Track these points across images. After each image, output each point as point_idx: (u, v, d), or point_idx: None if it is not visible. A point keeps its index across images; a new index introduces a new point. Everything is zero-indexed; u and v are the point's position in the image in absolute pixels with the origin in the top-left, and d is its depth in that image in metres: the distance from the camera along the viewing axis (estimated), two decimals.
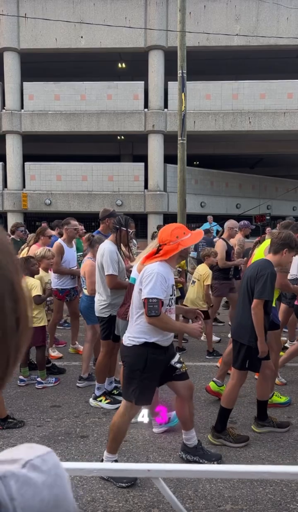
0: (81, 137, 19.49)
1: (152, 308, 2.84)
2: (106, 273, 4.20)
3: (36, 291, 4.73)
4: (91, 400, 4.47)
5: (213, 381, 4.59)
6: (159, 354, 3.03)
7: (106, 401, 4.39)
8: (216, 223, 16.24)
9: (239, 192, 22.74)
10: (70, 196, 18.68)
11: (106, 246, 4.26)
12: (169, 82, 17.19)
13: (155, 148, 18.03)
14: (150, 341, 2.96)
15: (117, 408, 4.17)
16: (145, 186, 18.69)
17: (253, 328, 3.45)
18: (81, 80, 18.25)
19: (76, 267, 6.09)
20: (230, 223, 6.84)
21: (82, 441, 3.68)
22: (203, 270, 6.09)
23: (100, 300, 4.34)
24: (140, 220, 20.16)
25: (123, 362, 3.12)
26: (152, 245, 3.69)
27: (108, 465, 0.98)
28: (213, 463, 3.29)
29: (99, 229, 5.48)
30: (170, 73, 16.34)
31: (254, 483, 3.09)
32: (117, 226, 4.27)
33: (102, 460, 3.20)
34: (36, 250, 5.54)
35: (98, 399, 4.42)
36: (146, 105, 17.98)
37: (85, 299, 4.91)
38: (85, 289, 4.89)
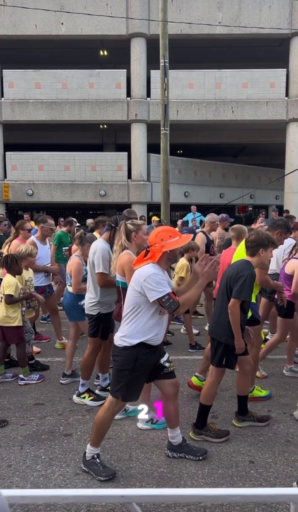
0: (63, 126, 19.25)
1: (170, 304, 2.90)
2: (96, 271, 4.19)
3: (10, 290, 4.71)
4: (74, 396, 4.49)
5: (195, 375, 4.66)
6: (149, 354, 3.08)
7: (90, 398, 4.42)
8: (200, 214, 16.27)
9: (222, 182, 22.81)
10: (52, 186, 18.50)
11: (99, 244, 4.25)
12: (151, 71, 17.04)
13: (138, 137, 17.91)
14: (142, 341, 3.00)
15: (101, 405, 4.24)
16: (129, 176, 18.61)
17: (230, 326, 3.51)
18: (63, 68, 17.96)
19: (50, 264, 6.06)
20: (210, 217, 6.88)
21: (66, 439, 3.71)
22: (179, 263, 6.14)
23: (90, 298, 4.35)
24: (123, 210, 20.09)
25: (114, 361, 3.15)
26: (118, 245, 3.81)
27: (81, 491, 1.00)
28: (199, 459, 3.37)
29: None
30: (152, 61, 16.16)
31: (234, 478, 3.16)
32: (113, 225, 4.25)
33: (84, 454, 3.25)
34: (18, 246, 5.49)
35: (82, 396, 4.45)
36: (128, 94, 17.80)
37: (68, 296, 4.90)
38: (70, 286, 4.88)
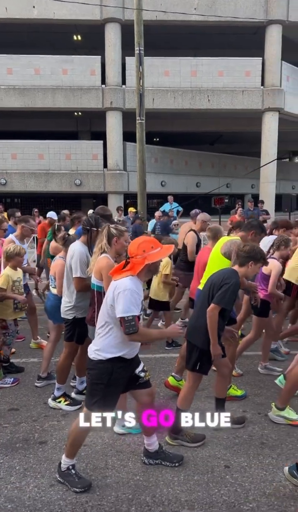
0: (37, 113, 18.79)
1: (129, 326, 2.82)
2: (74, 276, 4.10)
3: None
4: (50, 400, 4.43)
5: (172, 375, 4.66)
6: (124, 367, 3.04)
7: (66, 403, 4.36)
8: (177, 204, 16.21)
9: (198, 171, 22.78)
10: (26, 175, 18.12)
11: (77, 248, 4.15)
12: (126, 57, 16.71)
13: (114, 126, 17.65)
14: (116, 356, 2.96)
15: (76, 410, 4.20)
16: (105, 165, 18.36)
17: (207, 331, 3.50)
18: (35, 53, 17.46)
19: (27, 264, 5.93)
20: (203, 216, 6.75)
21: (41, 447, 3.67)
22: (163, 260, 6.09)
23: (66, 302, 4.28)
24: (101, 200, 19.89)
25: (88, 374, 3.09)
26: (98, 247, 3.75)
27: None
28: (175, 465, 3.37)
29: None
30: (128, 48, 15.83)
31: (210, 484, 3.18)
32: (88, 227, 4.17)
33: (60, 465, 3.21)
34: None
35: (58, 400, 4.39)
36: (103, 81, 17.46)
37: (52, 297, 4.79)
38: (54, 287, 4.79)
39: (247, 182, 24.02)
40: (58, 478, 3.19)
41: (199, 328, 3.57)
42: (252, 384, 4.90)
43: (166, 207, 15.94)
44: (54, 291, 4.76)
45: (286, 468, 3.26)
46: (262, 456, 3.53)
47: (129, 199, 19.60)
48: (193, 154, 23.03)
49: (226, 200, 17.63)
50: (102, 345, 2.98)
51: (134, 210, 13.97)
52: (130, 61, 15.51)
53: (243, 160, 24.96)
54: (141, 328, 2.93)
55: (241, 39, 18.86)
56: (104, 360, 2.96)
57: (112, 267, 3.27)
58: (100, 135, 18.75)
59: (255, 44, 18.00)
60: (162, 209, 15.17)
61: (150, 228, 12.01)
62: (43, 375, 4.91)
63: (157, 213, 12.30)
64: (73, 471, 3.16)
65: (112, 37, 17.01)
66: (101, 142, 18.42)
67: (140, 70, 13.34)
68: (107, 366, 2.96)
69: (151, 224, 12.30)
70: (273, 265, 4.94)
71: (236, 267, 3.68)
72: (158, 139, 24.05)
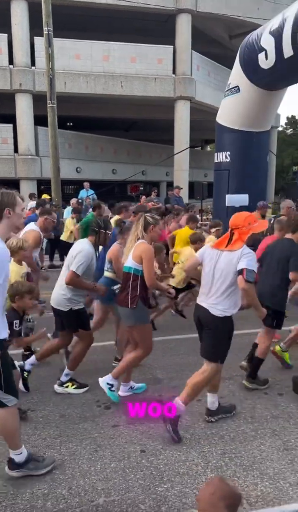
0: None
1: (250, 275, 3.45)
2: (72, 269, 4.21)
3: None
4: (56, 386, 4.46)
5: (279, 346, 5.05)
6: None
7: (73, 386, 4.45)
8: (93, 191, 16.03)
9: (114, 157, 22.67)
10: None
11: (87, 247, 4.31)
12: (35, 38, 15.99)
13: (23, 109, 16.91)
14: (234, 312, 3.65)
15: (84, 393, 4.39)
16: (16, 150, 17.56)
17: (283, 295, 4.42)
18: None
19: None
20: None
21: None
22: (187, 252, 6.21)
23: (60, 294, 4.34)
24: (12, 186, 19.00)
25: (209, 330, 3.64)
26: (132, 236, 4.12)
27: None
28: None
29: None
30: (36, 27, 15.14)
31: (126, 470, 3.23)
32: (96, 229, 4.37)
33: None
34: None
35: (65, 385, 4.45)
36: (11, 61, 16.58)
37: (104, 281, 4.85)
38: (107, 271, 4.95)
39: (162, 170, 24.35)
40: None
41: (276, 294, 4.38)
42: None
43: (82, 194, 15.71)
44: (108, 274, 4.93)
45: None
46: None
47: (43, 185, 18.96)
48: (108, 140, 22.84)
49: (141, 188, 17.79)
50: (228, 304, 3.58)
51: (48, 197, 13.59)
52: (40, 42, 14.85)
53: (157, 147, 25.25)
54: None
55: (154, 26, 18.90)
56: (229, 315, 3.59)
57: (151, 251, 3.98)
58: (9, 118, 17.84)
59: (167, 32, 18.14)
60: (79, 196, 14.92)
61: (66, 215, 11.77)
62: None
63: (73, 200, 12.06)
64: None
65: (19, 15, 16.15)
66: (10, 125, 17.55)
67: (50, 52, 12.91)
68: (231, 320, 3.63)
69: (67, 211, 12.06)
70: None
71: (289, 235, 4.55)
72: (71, 123, 23.47)
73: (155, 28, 19.00)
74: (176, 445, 3.53)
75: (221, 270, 3.59)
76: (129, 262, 4.05)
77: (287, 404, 4.21)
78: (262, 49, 9.07)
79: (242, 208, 8.23)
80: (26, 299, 4.01)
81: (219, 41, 21.93)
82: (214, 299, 3.62)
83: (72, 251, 4.36)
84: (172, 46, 17.85)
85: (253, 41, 9.52)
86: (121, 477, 3.16)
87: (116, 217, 6.70)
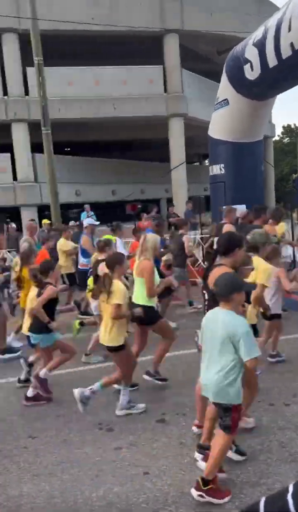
0: None
1: None
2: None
3: None
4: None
5: None
6: None
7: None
8: (92, 213, 16.09)
9: (113, 179, 22.86)
10: None
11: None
12: (27, 68, 16.34)
13: (20, 137, 17.21)
14: None
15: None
16: (14, 178, 17.78)
17: None
18: None
19: None
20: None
21: None
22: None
23: None
24: (14, 214, 19.18)
25: None
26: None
27: None
28: None
29: None
30: (29, 57, 15.49)
31: (129, 494, 3.12)
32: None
33: None
34: None
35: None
36: (5, 92, 16.93)
37: None
38: None
39: (161, 187, 24.46)
40: None
41: None
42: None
43: (84, 216, 15.77)
44: None
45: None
46: (181, 456, 3.54)
47: (45, 211, 19.08)
48: (106, 162, 23.08)
49: (139, 206, 17.93)
50: None
51: (48, 222, 13.66)
52: (32, 71, 15.16)
53: (155, 166, 25.45)
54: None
55: (142, 48, 19.25)
56: None
57: None
58: (7, 147, 18.11)
59: (155, 53, 18.47)
60: (81, 218, 14.97)
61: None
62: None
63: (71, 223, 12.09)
64: None
65: (11, 47, 16.56)
66: (8, 155, 17.81)
67: (41, 80, 13.14)
68: None
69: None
70: None
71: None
72: (69, 149, 23.79)
73: (144, 49, 19.36)
74: (180, 465, 3.42)
75: None
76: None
77: (292, 414, 4.08)
78: (247, 61, 9.17)
79: None
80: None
81: (208, 56, 22.25)
82: None
83: None
84: (161, 66, 18.15)
85: (238, 54, 9.64)
86: (124, 502, 3.05)
87: None
